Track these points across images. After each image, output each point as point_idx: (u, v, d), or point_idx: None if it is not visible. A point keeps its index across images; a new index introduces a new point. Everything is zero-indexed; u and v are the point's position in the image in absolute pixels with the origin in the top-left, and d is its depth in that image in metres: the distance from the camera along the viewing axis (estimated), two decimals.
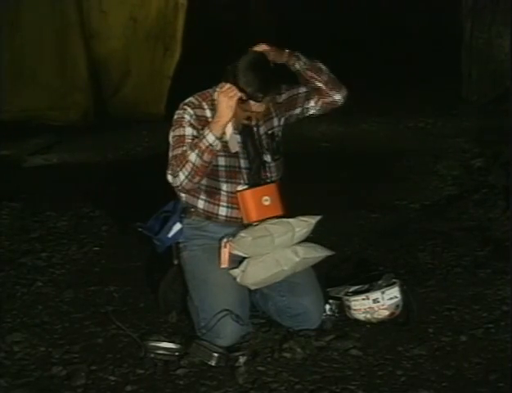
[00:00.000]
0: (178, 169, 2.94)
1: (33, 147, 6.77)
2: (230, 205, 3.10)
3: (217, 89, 3.05)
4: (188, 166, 2.93)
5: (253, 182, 3.10)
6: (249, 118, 3.02)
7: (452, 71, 8.33)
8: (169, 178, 2.99)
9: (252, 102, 2.95)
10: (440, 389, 2.70)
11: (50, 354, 2.98)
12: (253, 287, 3.09)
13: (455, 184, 5.27)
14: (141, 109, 7.83)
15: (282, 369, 2.84)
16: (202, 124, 3.04)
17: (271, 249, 3.03)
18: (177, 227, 3.17)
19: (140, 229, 3.23)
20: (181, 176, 2.94)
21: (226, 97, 2.91)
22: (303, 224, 3.07)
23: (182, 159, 2.94)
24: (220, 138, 2.94)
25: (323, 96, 3.19)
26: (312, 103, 3.20)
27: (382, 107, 8.03)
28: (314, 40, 10.34)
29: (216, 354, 2.85)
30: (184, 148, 2.97)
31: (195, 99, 3.11)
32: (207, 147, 2.92)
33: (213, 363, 2.84)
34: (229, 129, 3.03)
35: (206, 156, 2.92)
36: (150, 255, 3.70)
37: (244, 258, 3.06)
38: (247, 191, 3.08)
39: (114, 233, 4.44)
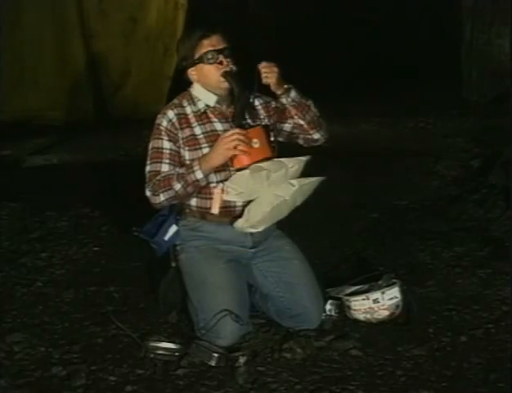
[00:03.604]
0: (160, 190, 3.03)
1: (33, 147, 6.78)
2: None
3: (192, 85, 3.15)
4: (171, 192, 3.02)
5: (238, 125, 3.05)
6: (221, 63, 3.04)
7: (452, 71, 8.33)
8: (148, 193, 3.07)
9: (207, 41, 3.04)
10: (440, 389, 2.70)
11: (50, 354, 2.98)
12: (261, 227, 3.05)
13: (455, 184, 5.27)
14: (141, 109, 7.83)
15: (282, 369, 2.83)
16: (183, 121, 3.10)
17: (267, 185, 3.00)
18: (173, 229, 3.16)
19: (136, 233, 3.23)
20: (162, 198, 3.04)
21: (226, 146, 2.94)
22: (295, 161, 3.06)
23: (166, 184, 3.02)
24: (207, 176, 3.00)
25: (303, 132, 3.22)
26: (296, 130, 3.22)
27: (382, 107, 8.03)
28: (313, 40, 10.36)
29: (216, 355, 2.85)
30: (165, 168, 3.04)
31: (176, 99, 3.19)
32: (193, 182, 3.00)
33: (213, 363, 2.84)
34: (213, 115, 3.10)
35: (190, 188, 3.02)
36: (150, 256, 3.69)
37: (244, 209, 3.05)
38: None
39: (114, 233, 4.44)
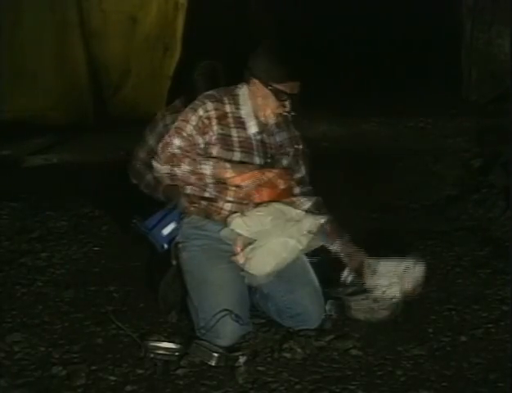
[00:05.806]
0: (168, 162, 3.04)
1: (33, 147, 6.78)
2: (236, 200, 3.09)
3: (239, 86, 3.11)
4: (176, 169, 3.04)
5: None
6: (283, 105, 3.02)
7: (452, 71, 8.33)
8: (154, 163, 3.09)
9: (290, 85, 2.97)
10: (440, 389, 2.70)
11: (50, 354, 2.98)
12: (262, 281, 3.07)
13: (455, 184, 5.27)
14: (141, 109, 7.82)
15: (282, 369, 2.83)
16: (221, 118, 3.07)
17: (276, 236, 3.04)
18: (172, 226, 3.17)
19: (134, 222, 3.22)
20: (165, 170, 3.07)
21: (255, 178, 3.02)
22: (312, 222, 3.08)
23: (176, 160, 3.03)
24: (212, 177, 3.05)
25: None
26: None
27: (382, 107, 8.03)
28: (313, 39, 10.36)
29: (216, 354, 2.85)
30: (177, 142, 3.03)
31: (216, 92, 3.13)
32: (198, 173, 3.03)
33: (213, 363, 2.84)
34: (252, 124, 3.08)
35: (193, 178, 3.06)
36: (150, 255, 3.70)
37: None
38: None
39: (114, 233, 4.44)
